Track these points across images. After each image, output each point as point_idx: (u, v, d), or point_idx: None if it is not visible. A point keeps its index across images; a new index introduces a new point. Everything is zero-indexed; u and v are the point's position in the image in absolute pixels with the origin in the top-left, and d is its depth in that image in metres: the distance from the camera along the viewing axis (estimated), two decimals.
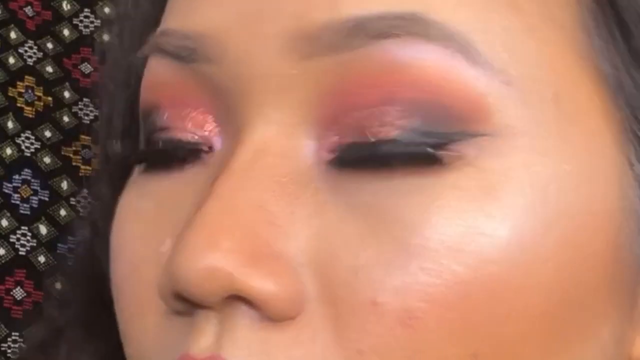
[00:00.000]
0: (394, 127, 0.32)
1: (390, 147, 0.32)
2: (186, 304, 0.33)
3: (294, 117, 0.33)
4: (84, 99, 1.14)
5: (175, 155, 0.36)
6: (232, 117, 0.34)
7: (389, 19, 0.32)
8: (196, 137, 0.36)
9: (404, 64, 0.32)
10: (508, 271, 0.32)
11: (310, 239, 0.32)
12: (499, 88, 0.33)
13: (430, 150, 0.32)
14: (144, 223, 0.36)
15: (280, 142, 0.33)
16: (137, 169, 0.39)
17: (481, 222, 0.32)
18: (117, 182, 0.40)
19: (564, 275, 0.32)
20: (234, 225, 0.32)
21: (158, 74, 0.37)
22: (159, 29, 0.37)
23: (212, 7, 0.35)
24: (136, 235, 0.36)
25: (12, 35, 1.13)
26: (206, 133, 0.36)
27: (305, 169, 0.33)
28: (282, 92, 0.33)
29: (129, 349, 0.37)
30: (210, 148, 0.35)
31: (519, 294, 0.32)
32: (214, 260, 0.31)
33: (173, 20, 0.37)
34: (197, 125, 0.36)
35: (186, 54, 0.35)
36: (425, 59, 0.32)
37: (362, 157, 0.33)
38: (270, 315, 0.32)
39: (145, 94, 0.38)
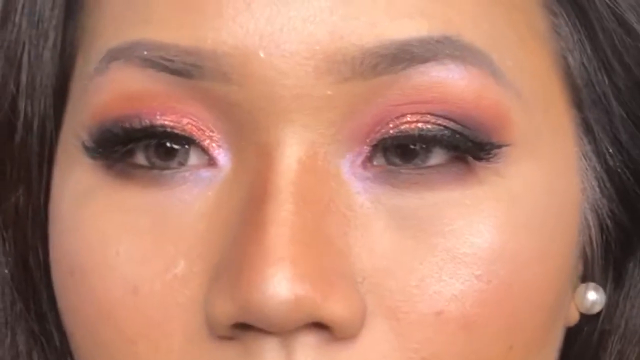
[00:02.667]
0: (429, 143, 0.34)
1: (430, 169, 0.34)
2: (240, 330, 0.33)
3: (326, 136, 0.34)
4: None
5: (176, 171, 0.35)
6: (248, 135, 0.34)
7: (428, 43, 0.34)
8: (196, 152, 0.35)
9: (440, 84, 0.34)
10: (537, 269, 0.36)
11: (363, 256, 0.34)
12: (514, 101, 0.35)
13: (466, 164, 0.34)
14: (138, 241, 0.35)
15: (317, 163, 0.34)
16: (97, 172, 0.37)
17: (516, 228, 0.35)
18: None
19: (564, 266, 0.37)
20: (304, 253, 0.32)
21: (143, 85, 0.35)
22: (141, 38, 0.35)
23: (227, 22, 0.34)
24: (130, 254, 0.35)
25: None
26: (210, 149, 0.35)
27: (345, 187, 0.34)
28: (314, 112, 0.34)
29: None
30: (213, 163, 0.35)
31: (542, 288, 0.36)
32: (298, 290, 0.32)
33: (167, 32, 0.35)
34: (196, 140, 0.35)
35: (190, 71, 0.34)
36: (460, 79, 0.34)
37: (401, 176, 0.34)
38: (338, 335, 0.33)
39: (123, 104, 0.35)
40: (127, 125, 0.35)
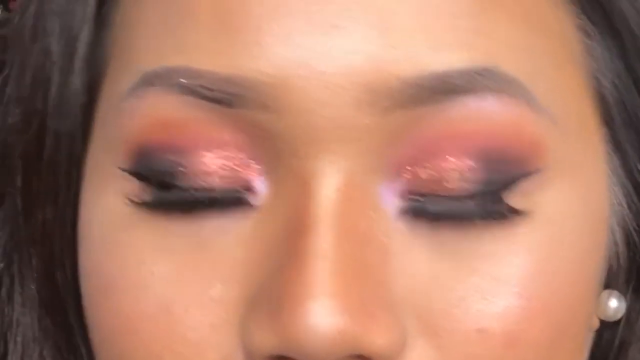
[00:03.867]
0: (468, 181, 0.35)
1: (467, 203, 0.35)
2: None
3: (364, 166, 0.34)
4: None
5: (215, 202, 0.35)
6: (286, 164, 0.35)
7: (468, 75, 0.34)
8: (235, 181, 0.35)
9: (479, 116, 0.34)
10: (573, 285, 0.37)
11: (402, 281, 0.35)
12: (550, 127, 0.36)
13: (506, 209, 0.35)
14: (174, 263, 0.36)
15: (355, 192, 0.34)
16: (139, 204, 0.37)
17: (552, 248, 0.36)
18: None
19: (594, 280, 0.39)
20: (345, 286, 0.33)
21: (182, 113, 0.35)
22: (178, 65, 0.35)
23: (266, 51, 0.34)
24: (165, 275, 0.36)
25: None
26: (248, 177, 0.35)
27: (383, 215, 0.35)
28: (353, 142, 0.34)
29: None
30: (250, 191, 0.35)
31: (576, 303, 0.37)
32: (340, 324, 0.32)
33: (205, 60, 0.35)
34: (236, 168, 0.35)
35: (229, 100, 0.34)
36: (497, 111, 0.35)
37: (438, 209, 0.35)
38: None
39: (161, 131, 0.36)
40: (166, 156, 0.35)
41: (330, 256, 0.33)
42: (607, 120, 0.39)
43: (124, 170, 0.37)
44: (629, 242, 0.40)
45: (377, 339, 0.33)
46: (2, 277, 0.43)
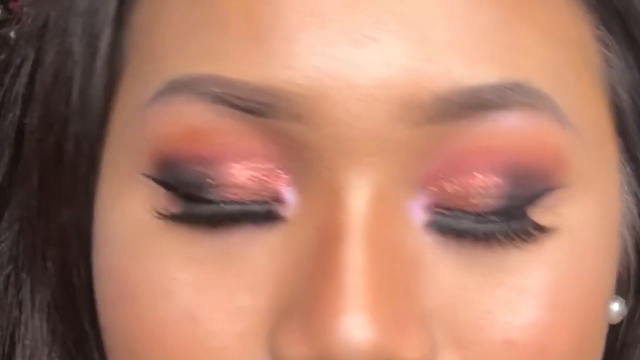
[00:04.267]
0: (493, 197, 0.35)
1: (492, 219, 0.35)
2: None
3: (394, 178, 0.34)
4: None
5: (244, 214, 0.35)
6: (317, 175, 0.35)
7: (500, 90, 0.34)
8: (264, 192, 0.35)
9: (507, 131, 0.35)
10: (594, 294, 0.38)
11: (431, 294, 0.35)
12: (574, 141, 0.36)
13: (531, 226, 0.35)
14: (200, 271, 0.36)
15: (386, 205, 0.34)
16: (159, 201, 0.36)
17: (575, 259, 0.37)
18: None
19: (611, 287, 0.40)
20: (378, 300, 0.33)
21: (212, 122, 0.35)
22: (209, 73, 0.35)
23: (302, 62, 0.34)
24: (190, 282, 0.36)
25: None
26: (277, 187, 0.35)
27: (412, 228, 0.35)
28: (385, 155, 0.34)
29: None
30: (279, 201, 0.35)
31: (597, 310, 0.38)
32: (374, 337, 0.33)
33: (237, 68, 0.34)
34: (265, 179, 0.35)
35: (262, 110, 0.34)
36: (526, 126, 0.35)
37: (464, 226, 0.35)
38: None
39: (190, 139, 0.35)
40: (194, 167, 0.35)
41: (363, 270, 0.33)
42: (622, 130, 0.39)
43: (148, 177, 0.36)
44: (637, 247, 0.41)
45: (409, 352, 0.34)
46: (8, 279, 0.42)
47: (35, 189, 0.40)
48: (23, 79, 0.42)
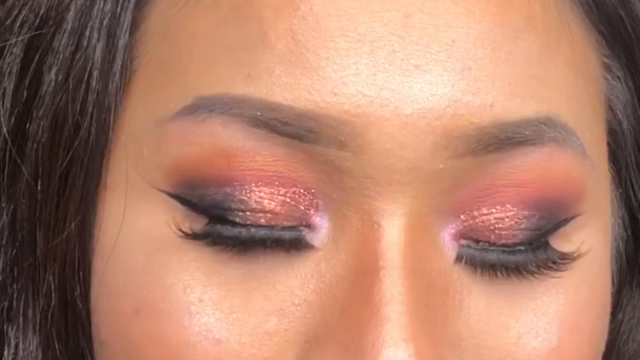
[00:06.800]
0: (519, 228, 0.36)
1: (519, 250, 0.36)
2: None
3: (428, 207, 0.35)
4: None
5: (273, 240, 0.35)
6: (352, 201, 0.34)
7: (534, 124, 0.35)
8: (294, 218, 0.35)
9: (540, 165, 0.35)
10: (603, 311, 0.39)
11: (461, 321, 0.35)
12: (591, 173, 0.37)
13: (558, 256, 0.36)
14: (227, 292, 0.35)
15: (421, 234, 0.34)
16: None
17: (587, 282, 0.38)
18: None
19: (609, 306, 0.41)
20: (418, 331, 0.33)
21: (242, 144, 0.34)
22: (247, 95, 0.34)
23: (349, 89, 0.33)
24: (217, 304, 0.35)
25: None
26: (308, 212, 0.35)
27: (443, 257, 0.35)
28: (424, 184, 0.34)
29: None
30: (310, 227, 0.35)
31: (605, 327, 0.39)
32: None
33: (279, 92, 0.33)
34: (295, 204, 0.35)
35: (305, 135, 0.34)
36: (556, 161, 0.36)
37: (492, 259, 0.36)
38: None
39: (221, 162, 0.34)
40: (223, 189, 0.34)
41: (403, 301, 0.33)
42: (615, 154, 0.40)
43: (171, 195, 0.35)
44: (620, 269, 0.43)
45: None
46: (3, 292, 0.40)
47: (40, 198, 0.38)
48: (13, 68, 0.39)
